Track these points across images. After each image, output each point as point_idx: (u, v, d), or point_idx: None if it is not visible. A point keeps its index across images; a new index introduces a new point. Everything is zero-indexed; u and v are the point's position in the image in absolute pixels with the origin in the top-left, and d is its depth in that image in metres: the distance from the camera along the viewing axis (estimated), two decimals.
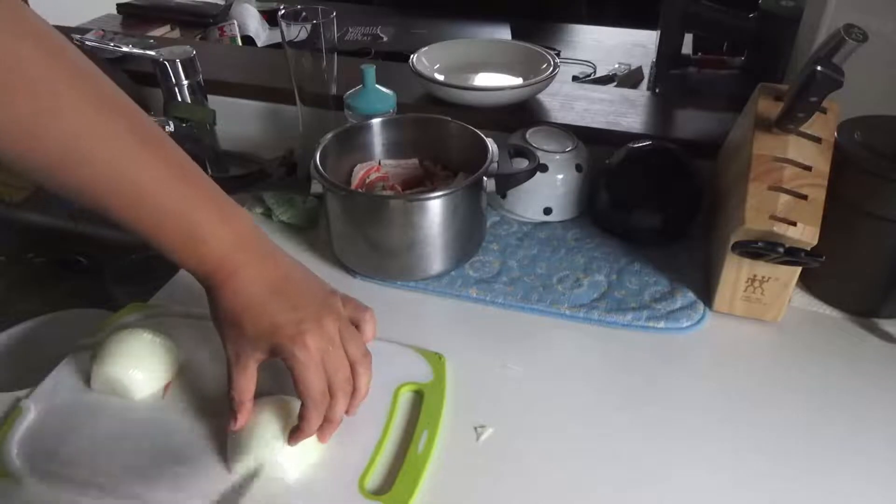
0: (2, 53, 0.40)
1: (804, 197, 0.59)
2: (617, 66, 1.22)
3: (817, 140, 0.62)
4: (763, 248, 0.60)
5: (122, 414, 0.56)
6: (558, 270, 0.73)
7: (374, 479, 0.51)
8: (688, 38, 1.03)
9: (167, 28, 1.31)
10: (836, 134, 0.63)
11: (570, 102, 0.92)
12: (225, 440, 0.53)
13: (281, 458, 0.50)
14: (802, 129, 0.62)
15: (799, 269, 0.63)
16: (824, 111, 0.62)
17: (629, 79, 1.18)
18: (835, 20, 0.73)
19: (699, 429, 0.57)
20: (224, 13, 1.34)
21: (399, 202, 0.67)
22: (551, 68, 0.89)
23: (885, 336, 0.66)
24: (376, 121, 0.78)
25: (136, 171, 0.45)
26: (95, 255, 0.90)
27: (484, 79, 0.94)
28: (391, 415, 0.56)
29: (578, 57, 1.27)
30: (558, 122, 0.86)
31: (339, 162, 0.75)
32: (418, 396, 0.58)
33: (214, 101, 0.95)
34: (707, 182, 0.76)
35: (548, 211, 0.80)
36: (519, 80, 0.92)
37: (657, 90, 1.01)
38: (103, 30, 1.00)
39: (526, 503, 0.51)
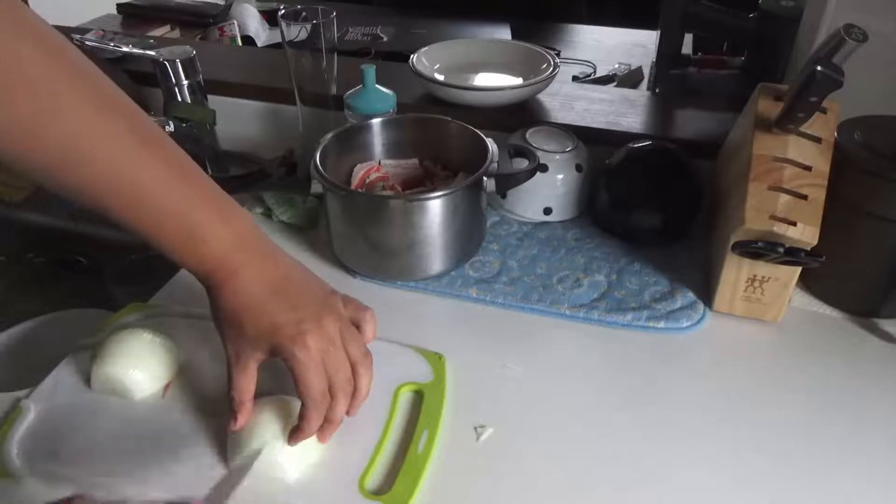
0: (2, 53, 0.40)
1: (804, 197, 0.59)
2: (617, 66, 1.22)
3: (817, 140, 0.62)
4: (763, 248, 0.60)
5: (122, 414, 0.56)
6: (558, 270, 0.73)
7: (374, 479, 0.51)
8: (688, 38, 1.03)
9: (167, 28, 1.31)
10: (836, 134, 0.63)
11: (570, 102, 0.92)
12: (225, 440, 0.53)
13: (281, 458, 0.50)
14: (802, 129, 0.62)
15: (799, 269, 0.63)
16: (824, 111, 0.62)
17: (629, 79, 1.18)
18: (835, 20, 0.73)
19: (699, 429, 0.57)
20: (224, 13, 1.34)
21: (399, 202, 0.67)
22: (551, 68, 0.89)
23: (885, 336, 0.66)
24: (376, 121, 0.78)
25: (136, 171, 0.45)
26: (95, 255, 0.90)
27: (484, 79, 0.94)
28: (391, 415, 0.56)
29: (578, 57, 1.27)
30: (558, 122, 0.86)
31: (339, 162, 0.75)
32: (418, 396, 0.58)
33: (214, 101, 0.95)
34: (707, 182, 0.76)
35: (548, 211, 0.80)
36: (519, 80, 0.92)
37: (657, 90, 1.01)
38: (103, 30, 1.00)
39: (526, 503, 0.51)
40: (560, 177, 0.78)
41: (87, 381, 0.58)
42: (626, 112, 0.90)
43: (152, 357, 0.58)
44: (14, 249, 0.92)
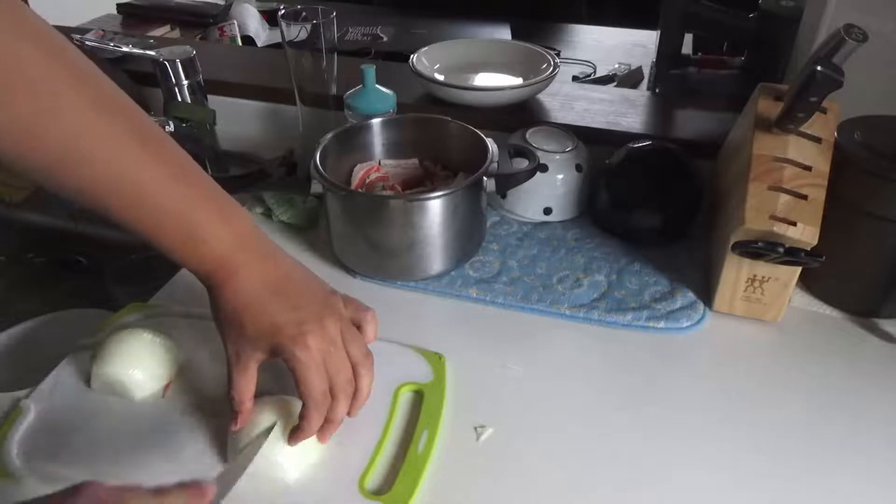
0: (2, 53, 0.40)
1: (804, 197, 0.59)
2: (617, 66, 1.22)
3: (817, 140, 0.62)
4: (763, 248, 0.60)
5: (122, 414, 0.56)
6: (558, 270, 0.73)
7: (374, 479, 0.51)
8: (688, 38, 1.03)
9: (167, 28, 1.31)
10: (836, 134, 0.63)
11: (570, 102, 0.92)
12: (225, 440, 0.53)
13: (281, 458, 0.50)
14: (802, 129, 0.62)
15: (799, 269, 0.63)
16: (824, 111, 0.62)
17: (629, 79, 1.18)
18: (835, 20, 0.73)
19: (699, 429, 0.57)
20: (224, 13, 1.34)
21: (399, 202, 0.67)
22: (551, 68, 0.89)
23: (885, 336, 0.66)
24: (376, 121, 0.78)
25: (136, 171, 0.45)
26: (95, 255, 0.90)
27: (484, 79, 0.94)
28: (391, 415, 0.56)
29: (578, 57, 1.27)
30: (558, 122, 0.86)
31: (339, 162, 0.75)
32: (418, 396, 0.58)
33: (214, 101, 0.95)
34: (707, 182, 0.76)
35: (548, 211, 0.80)
36: (519, 80, 0.92)
37: (657, 90, 1.01)
38: (103, 30, 1.00)
39: (526, 503, 0.51)
40: (560, 177, 0.78)
41: (87, 381, 0.58)
42: (626, 112, 0.90)
43: (152, 357, 0.58)
44: (14, 249, 0.92)
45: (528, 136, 0.79)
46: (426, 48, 0.95)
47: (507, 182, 0.71)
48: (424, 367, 0.60)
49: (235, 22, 1.33)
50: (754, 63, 0.98)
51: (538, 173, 0.73)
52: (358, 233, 0.70)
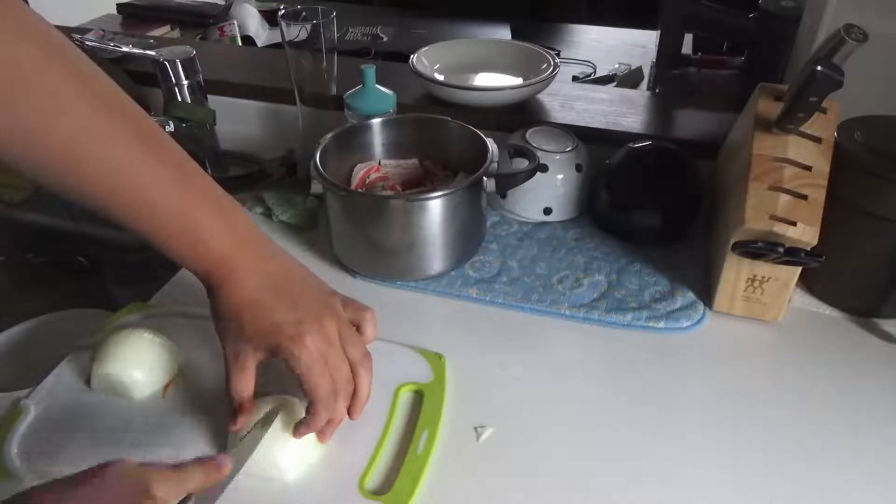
0: (2, 53, 0.40)
1: (804, 197, 0.59)
2: (617, 66, 1.22)
3: (817, 140, 0.62)
4: (763, 248, 0.60)
5: (122, 414, 0.56)
6: (558, 270, 0.73)
7: (374, 479, 0.51)
8: (688, 38, 1.03)
9: (167, 28, 1.31)
10: (836, 134, 0.63)
11: (570, 102, 0.92)
12: (225, 440, 0.53)
13: (281, 458, 0.50)
14: (802, 129, 0.62)
15: (799, 269, 0.63)
16: (824, 111, 0.62)
17: (629, 79, 1.18)
18: (835, 20, 0.73)
19: (699, 428, 0.57)
20: (224, 13, 1.34)
21: (399, 202, 0.67)
22: (551, 68, 0.89)
23: (885, 336, 0.66)
24: (376, 121, 0.78)
25: (136, 170, 0.45)
26: (95, 255, 0.90)
27: (484, 79, 0.94)
28: (391, 415, 0.56)
29: (578, 57, 1.27)
30: (558, 122, 0.86)
31: (339, 162, 0.75)
32: (418, 396, 0.58)
33: (214, 101, 0.95)
34: (707, 182, 0.76)
35: (548, 211, 0.80)
36: (519, 80, 0.92)
37: (657, 90, 1.01)
38: (103, 30, 1.00)
39: (526, 503, 0.51)
40: (560, 177, 0.78)
41: (87, 381, 0.58)
42: (626, 112, 0.90)
43: (152, 357, 0.58)
44: (14, 249, 0.92)
45: (528, 136, 0.79)
46: (426, 48, 0.95)
47: (507, 182, 0.71)
48: (424, 367, 0.60)
49: (235, 22, 1.33)
50: (754, 63, 0.98)
51: (538, 173, 0.73)
52: (358, 233, 0.70)
